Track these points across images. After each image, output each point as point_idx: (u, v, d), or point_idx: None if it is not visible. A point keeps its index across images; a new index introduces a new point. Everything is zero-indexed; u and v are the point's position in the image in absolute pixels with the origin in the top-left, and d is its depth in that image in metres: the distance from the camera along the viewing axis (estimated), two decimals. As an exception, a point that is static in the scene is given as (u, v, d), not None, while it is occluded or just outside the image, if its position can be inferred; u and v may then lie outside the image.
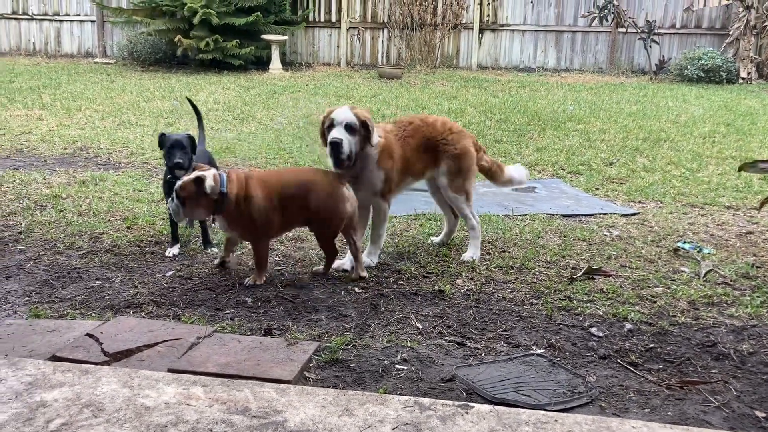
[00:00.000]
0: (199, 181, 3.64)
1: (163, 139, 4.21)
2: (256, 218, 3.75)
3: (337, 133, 3.80)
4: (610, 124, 9.06)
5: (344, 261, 4.08)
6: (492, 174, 4.54)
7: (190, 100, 4.96)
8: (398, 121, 4.30)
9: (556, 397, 2.68)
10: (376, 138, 3.92)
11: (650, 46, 14.68)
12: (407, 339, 3.17)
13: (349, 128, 3.82)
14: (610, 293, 3.72)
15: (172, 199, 3.73)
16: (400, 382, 2.80)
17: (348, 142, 3.80)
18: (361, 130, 3.85)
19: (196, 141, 4.38)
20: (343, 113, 3.85)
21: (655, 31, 14.68)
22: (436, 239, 4.59)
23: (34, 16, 17.19)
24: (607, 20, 14.81)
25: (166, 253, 4.23)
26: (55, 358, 2.82)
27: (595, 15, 14.73)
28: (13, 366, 2.62)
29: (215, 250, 4.32)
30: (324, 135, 3.94)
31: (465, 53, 15.89)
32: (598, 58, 15.52)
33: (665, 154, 7.37)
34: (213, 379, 2.59)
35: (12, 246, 4.35)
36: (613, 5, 14.57)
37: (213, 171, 3.74)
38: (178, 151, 4.16)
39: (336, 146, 3.78)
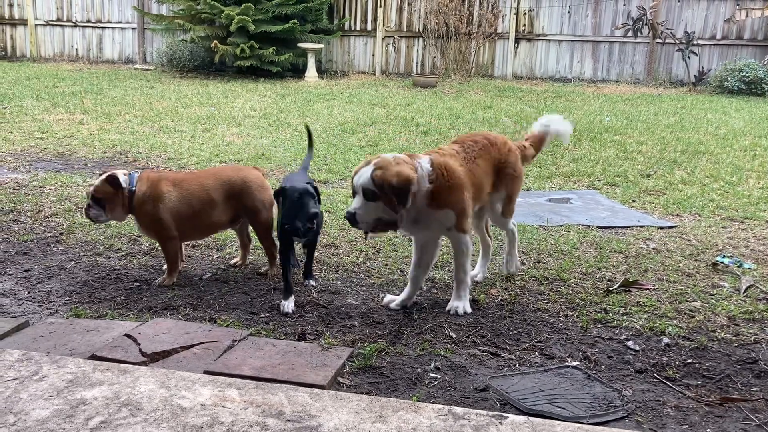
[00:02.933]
0: (112, 178, 3.79)
1: (286, 191, 3.63)
2: (164, 218, 3.81)
3: (354, 204, 3.35)
4: (647, 136, 8.94)
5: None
6: (538, 150, 4.26)
7: (307, 127, 4.58)
8: (461, 141, 3.79)
9: (592, 410, 2.64)
10: (425, 172, 3.39)
11: (689, 57, 14.47)
12: (440, 348, 3.17)
13: (369, 196, 3.31)
14: (647, 306, 3.66)
15: (90, 206, 3.83)
16: (434, 391, 2.79)
17: (364, 213, 3.32)
18: (387, 196, 3.29)
19: (305, 164, 4.20)
20: (361, 177, 3.33)
21: (695, 42, 14.46)
22: (477, 275, 4.06)
23: (78, 23, 17.61)
24: (641, 33, 14.63)
25: (282, 309, 3.54)
26: (94, 357, 2.87)
27: (629, 27, 14.56)
28: (55, 364, 2.68)
29: (313, 283, 3.91)
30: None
31: (500, 62, 15.84)
32: (636, 68, 15.34)
33: (704, 166, 7.24)
34: (248, 382, 2.62)
35: (54, 246, 4.45)
36: (647, 18, 14.39)
37: (122, 170, 3.91)
38: (310, 200, 3.60)
39: (349, 221, 3.36)
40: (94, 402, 2.42)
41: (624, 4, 15.12)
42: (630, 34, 14.64)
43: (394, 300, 3.67)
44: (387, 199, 3.30)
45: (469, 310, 3.57)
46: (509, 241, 4.11)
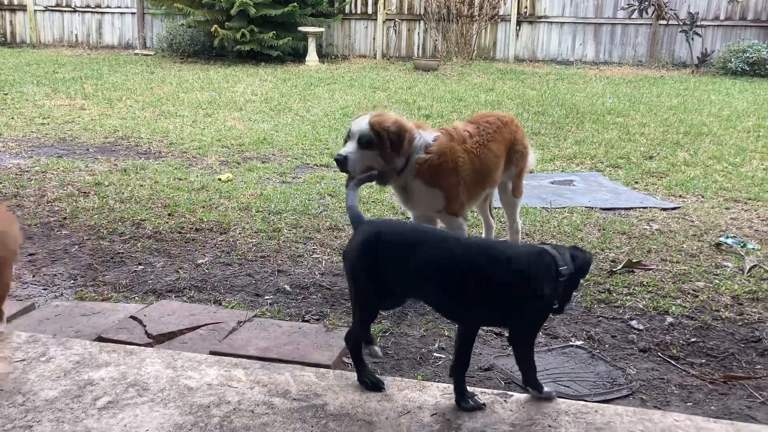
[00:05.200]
0: None
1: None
2: None
3: (347, 148, 3.29)
4: (650, 118, 8.91)
5: None
6: None
7: None
8: (475, 121, 3.69)
9: (596, 388, 2.66)
10: (423, 142, 3.36)
11: (692, 39, 14.37)
12: (444, 328, 3.18)
13: (364, 142, 3.27)
14: (650, 287, 3.67)
15: None
16: (438, 370, 2.81)
17: (356, 159, 3.25)
18: (382, 142, 3.26)
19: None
20: (358, 124, 3.31)
21: (698, 23, 14.36)
22: None
23: (77, 8, 17.51)
24: (647, 12, 14.53)
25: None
26: (100, 339, 2.88)
27: (635, 7, 14.46)
28: (62, 345, 2.69)
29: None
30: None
31: (502, 45, 15.75)
32: (638, 50, 15.25)
33: (707, 148, 7.22)
34: (254, 362, 2.63)
35: (57, 231, 4.46)
36: (654, -3, 14.30)
37: None
38: None
39: (338, 163, 3.29)
40: (101, 382, 2.43)
41: (626, -14, 15.01)
42: (636, 14, 14.54)
43: None
44: (382, 145, 3.25)
45: None
46: (511, 237, 4.08)
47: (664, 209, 5.16)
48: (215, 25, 14.32)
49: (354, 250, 2.38)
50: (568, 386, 2.66)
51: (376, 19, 16.11)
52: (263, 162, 6.42)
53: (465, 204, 3.55)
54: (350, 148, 3.26)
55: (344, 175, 3.45)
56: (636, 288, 3.65)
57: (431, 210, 3.52)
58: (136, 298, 3.48)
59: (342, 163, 3.25)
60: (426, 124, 3.58)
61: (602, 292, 3.59)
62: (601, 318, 3.31)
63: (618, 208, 5.17)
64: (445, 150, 3.39)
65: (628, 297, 3.54)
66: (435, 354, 2.95)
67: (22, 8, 17.65)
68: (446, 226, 3.58)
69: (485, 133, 3.60)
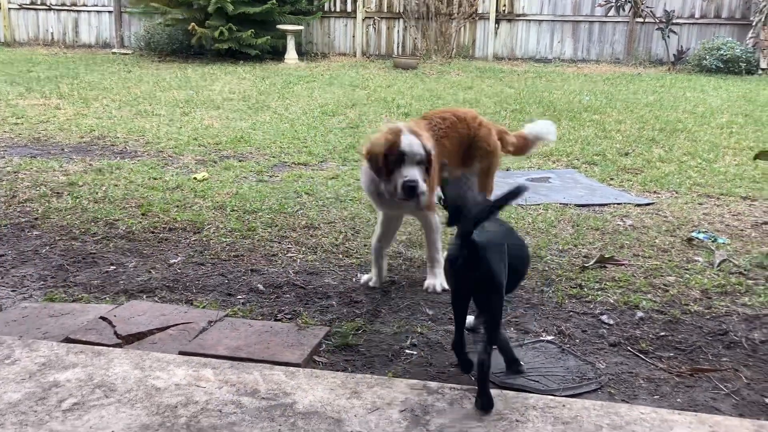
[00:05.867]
0: None
1: None
2: None
3: (414, 173, 3.21)
4: (626, 115, 8.98)
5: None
6: (520, 148, 4.21)
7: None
8: (429, 117, 3.77)
9: (565, 383, 2.68)
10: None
11: (668, 36, 14.51)
12: (418, 325, 3.18)
13: (421, 164, 3.26)
14: (621, 282, 3.70)
15: None
16: (410, 367, 2.81)
17: (423, 181, 3.26)
18: (428, 162, 3.30)
19: None
20: (416, 146, 3.23)
21: (674, 21, 14.51)
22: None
23: (52, 6, 17.32)
24: (623, 10, 14.65)
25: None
26: (68, 340, 2.86)
27: (612, 5, 14.57)
28: (27, 347, 2.66)
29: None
30: (387, 164, 3.27)
31: (481, 43, 15.80)
32: (616, 48, 15.37)
33: (682, 144, 7.29)
34: (223, 362, 2.62)
35: (28, 231, 4.41)
36: (631, -5, 14.42)
37: None
38: None
39: (413, 190, 3.21)
40: (67, 384, 2.41)
41: (604, -16, 15.12)
42: (612, 11, 14.65)
43: (371, 278, 3.68)
44: (428, 166, 3.30)
45: (446, 286, 3.57)
46: None
47: (638, 205, 5.20)
48: (193, 24, 14.23)
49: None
50: (537, 381, 2.68)
51: (355, 17, 16.10)
52: (240, 161, 6.39)
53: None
54: (417, 173, 3.23)
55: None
56: (607, 283, 3.68)
57: (416, 206, 3.45)
58: (107, 298, 3.45)
59: (416, 188, 3.22)
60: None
61: (574, 288, 3.61)
62: (572, 313, 3.33)
63: (593, 205, 5.20)
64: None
65: (600, 292, 3.56)
66: (407, 351, 2.95)
67: (-3, 7, 17.43)
68: (422, 223, 3.63)
69: (437, 129, 3.64)
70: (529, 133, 4.24)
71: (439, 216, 3.60)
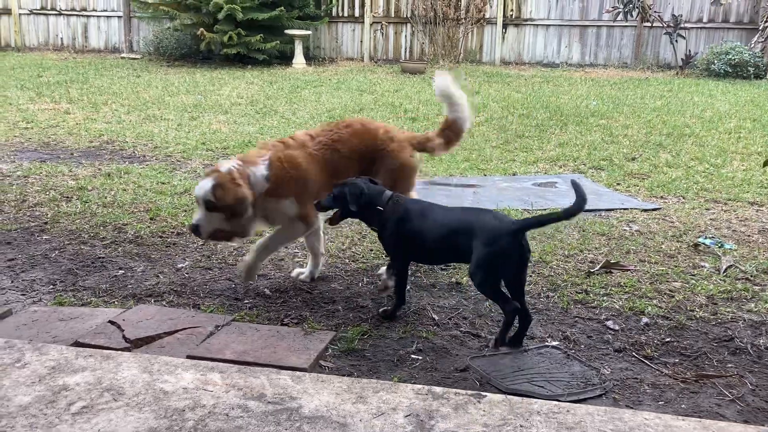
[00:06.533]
0: None
1: None
2: None
3: (198, 215, 3.44)
4: (633, 120, 8.98)
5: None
6: (451, 136, 3.94)
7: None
8: (331, 124, 3.78)
9: (570, 388, 2.69)
10: (260, 178, 3.44)
11: (676, 41, 14.49)
12: (423, 330, 3.20)
13: (210, 206, 3.38)
14: (627, 287, 3.71)
15: None
16: (415, 372, 2.83)
17: (207, 224, 3.42)
18: (223, 209, 3.38)
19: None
20: (198, 190, 3.40)
21: (682, 26, 14.49)
22: (304, 274, 3.84)
23: (62, 12, 17.45)
24: (631, 15, 14.65)
25: None
26: (77, 344, 2.89)
27: (620, 10, 14.57)
28: (37, 351, 2.70)
29: None
30: None
31: (488, 48, 15.83)
32: (623, 52, 15.36)
33: (689, 149, 7.28)
34: (230, 366, 2.64)
35: (38, 236, 4.45)
36: (637, 0, 14.40)
37: None
38: None
39: (195, 230, 3.47)
40: (76, 387, 2.44)
41: (611, -12, 15.13)
42: (620, 17, 14.65)
43: (302, 272, 3.83)
44: (226, 214, 3.40)
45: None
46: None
47: (645, 210, 5.21)
48: (202, 29, 14.32)
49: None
50: (542, 386, 2.69)
51: (363, 22, 16.15)
52: (247, 165, 6.41)
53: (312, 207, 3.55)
54: (200, 215, 3.43)
55: None
56: (613, 289, 3.69)
57: (289, 218, 3.58)
58: (116, 302, 3.48)
59: (196, 231, 3.46)
60: (253, 151, 3.67)
61: (579, 293, 3.62)
62: (577, 318, 3.34)
63: (599, 210, 5.21)
64: (282, 161, 3.50)
65: (605, 298, 3.57)
66: (412, 356, 2.96)
67: (7, 12, 17.58)
68: (285, 227, 3.64)
69: (332, 135, 3.65)
70: (447, 114, 3.96)
71: (305, 229, 3.63)
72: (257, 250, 3.64)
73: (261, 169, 3.47)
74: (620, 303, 3.50)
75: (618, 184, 6.02)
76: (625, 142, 7.65)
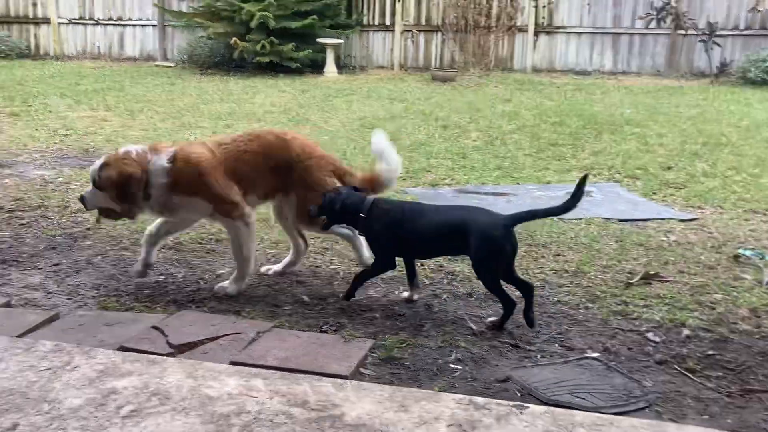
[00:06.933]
0: None
1: None
2: None
3: (88, 189, 3.68)
4: (668, 128, 8.87)
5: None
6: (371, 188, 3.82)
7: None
8: (243, 133, 3.91)
9: (612, 400, 2.67)
10: (160, 166, 3.54)
11: (711, 49, 14.29)
12: (461, 339, 3.20)
13: (96, 184, 3.59)
14: (667, 299, 3.67)
15: None
16: (455, 381, 2.84)
17: (93, 199, 3.63)
18: (109, 189, 3.54)
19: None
20: (93, 167, 3.63)
21: (717, 33, 14.29)
22: (273, 269, 4.04)
23: (100, 21, 17.84)
24: (665, 22, 14.49)
25: None
26: (123, 349, 2.95)
27: (653, 17, 14.43)
28: (86, 354, 2.76)
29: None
30: None
31: (519, 56, 15.78)
32: (657, 60, 15.19)
33: (726, 158, 7.18)
34: (273, 373, 2.67)
35: (81, 241, 4.55)
36: (671, 6, 14.25)
37: None
38: None
39: (81, 202, 3.73)
40: (124, 391, 2.49)
41: (645, -5, 14.99)
42: (654, 24, 14.51)
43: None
44: (111, 193, 3.54)
45: (233, 293, 3.68)
46: (295, 251, 4.06)
47: (682, 220, 5.15)
48: (235, 38, 14.51)
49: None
50: (583, 398, 2.68)
51: (393, 31, 16.22)
52: (282, 173, 6.48)
53: (238, 204, 3.63)
54: (88, 189, 3.64)
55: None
56: (653, 300, 3.66)
57: (201, 215, 3.78)
58: (158, 308, 3.55)
59: (83, 202, 3.68)
60: (166, 142, 3.80)
61: (619, 304, 3.60)
62: (617, 330, 3.32)
63: (635, 220, 5.16)
64: (185, 159, 3.58)
65: (645, 309, 3.54)
66: (452, 365, 2.97)
67: (46, 21, 18.02)
68: (226, 229, 3.79)
69: (243, 141, 3.73)
70: (376, 168, 3.84)
71: (246, 222, 3.66)
72: (238, 267, 3.73)
73: (163, 159, 3.58)
74: (660, 314, 3.47)
75: (654, 193, 5.96)
76: (660, 151, 7.57)
